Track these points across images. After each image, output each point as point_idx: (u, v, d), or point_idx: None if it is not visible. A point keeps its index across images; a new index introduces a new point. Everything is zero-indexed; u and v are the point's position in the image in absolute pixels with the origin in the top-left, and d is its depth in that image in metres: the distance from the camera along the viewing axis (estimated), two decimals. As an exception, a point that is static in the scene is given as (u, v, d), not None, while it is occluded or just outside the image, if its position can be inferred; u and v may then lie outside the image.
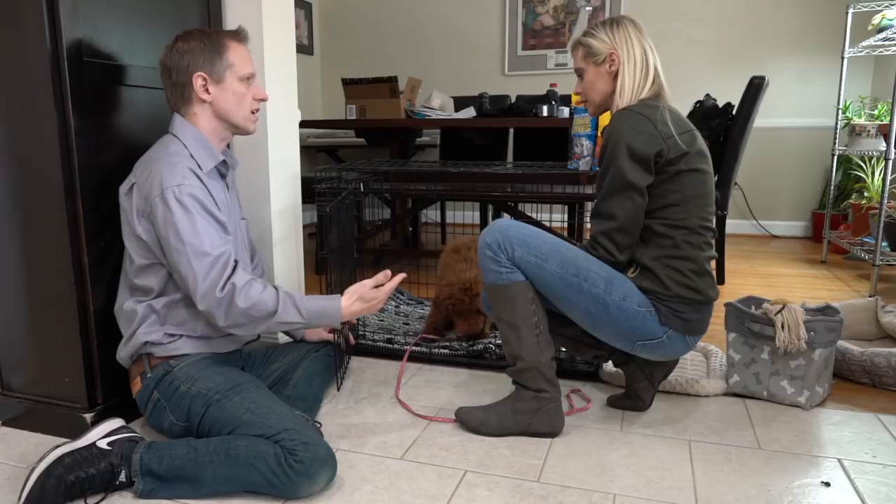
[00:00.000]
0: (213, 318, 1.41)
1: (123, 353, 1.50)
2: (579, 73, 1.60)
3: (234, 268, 1.41)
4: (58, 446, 1.28)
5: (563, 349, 1.91)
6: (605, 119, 1.90)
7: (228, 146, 1.61)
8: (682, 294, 1.48)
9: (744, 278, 3.24)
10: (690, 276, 1.48)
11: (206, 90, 1.46)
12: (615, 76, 1.54)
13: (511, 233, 1.50)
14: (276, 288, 1.44)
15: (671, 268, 1.48)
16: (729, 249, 3.85)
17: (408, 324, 2.43)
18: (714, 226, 1.53)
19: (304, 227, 4.18)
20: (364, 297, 1.51)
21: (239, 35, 1.51)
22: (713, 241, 1.54)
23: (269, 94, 1.84)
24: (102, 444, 1.32)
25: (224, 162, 1.54)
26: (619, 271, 1.51)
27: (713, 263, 1.54)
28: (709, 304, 1.53)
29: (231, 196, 1.60)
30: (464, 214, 5.22)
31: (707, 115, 2.97)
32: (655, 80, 1.53)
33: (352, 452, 1.49)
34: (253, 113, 1.54)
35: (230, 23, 1.87)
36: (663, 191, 1.47)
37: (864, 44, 3.35)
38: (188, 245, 1.37)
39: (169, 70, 1.46)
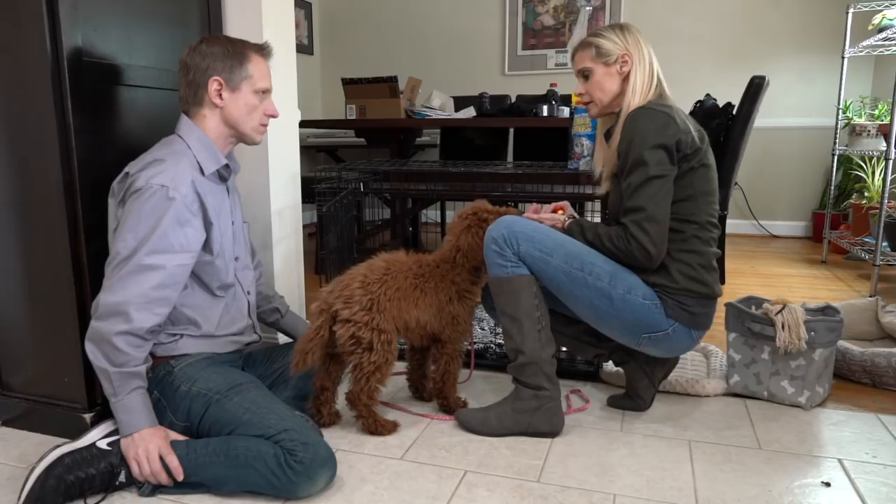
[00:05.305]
0: (95, 307, 1.32)
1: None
2: (585, 73, 1.59)
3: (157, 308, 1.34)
4: (58, 446, 1.29)
5: (564, 349, 1.91)
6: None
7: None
8: (690, 287, 1.48)
9: (744, 278, 3.23)
10: (699, 269, 1.49)
11: (220, 95, 1.45)
12: (625, 78, 1.55)
13: (517, 228, 1.51)
14: (141, 365, 1.33)
15: (681, 261, 1.49)
16: (729, 249, 3.84)
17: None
18: (717, 222, 1.55)
19: (304, 227, 4.17)
20: (158, 449, 1.29)
21: (263, 50, 1.51)
22: (717, 238, 1.56)
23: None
24: (102, 444, 1.32)
25: (226, 166, 1.53)
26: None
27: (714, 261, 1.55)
28: (714, 298, 1.53)
29: (232, 199, 1.59)
30: (464, 214, 5.21)
31: (707, 115, 2.96)
32: (658, 83, 1.56)
33: (352, 452, 1.49)
34: (262, 126, 1.53)
35: (230, 23, 1.87)
36: (677, 186, 1.49)
37: (865, 44, 3.35)
38: (139, 239, 1.32)
39: (187, 68, 1.45)
